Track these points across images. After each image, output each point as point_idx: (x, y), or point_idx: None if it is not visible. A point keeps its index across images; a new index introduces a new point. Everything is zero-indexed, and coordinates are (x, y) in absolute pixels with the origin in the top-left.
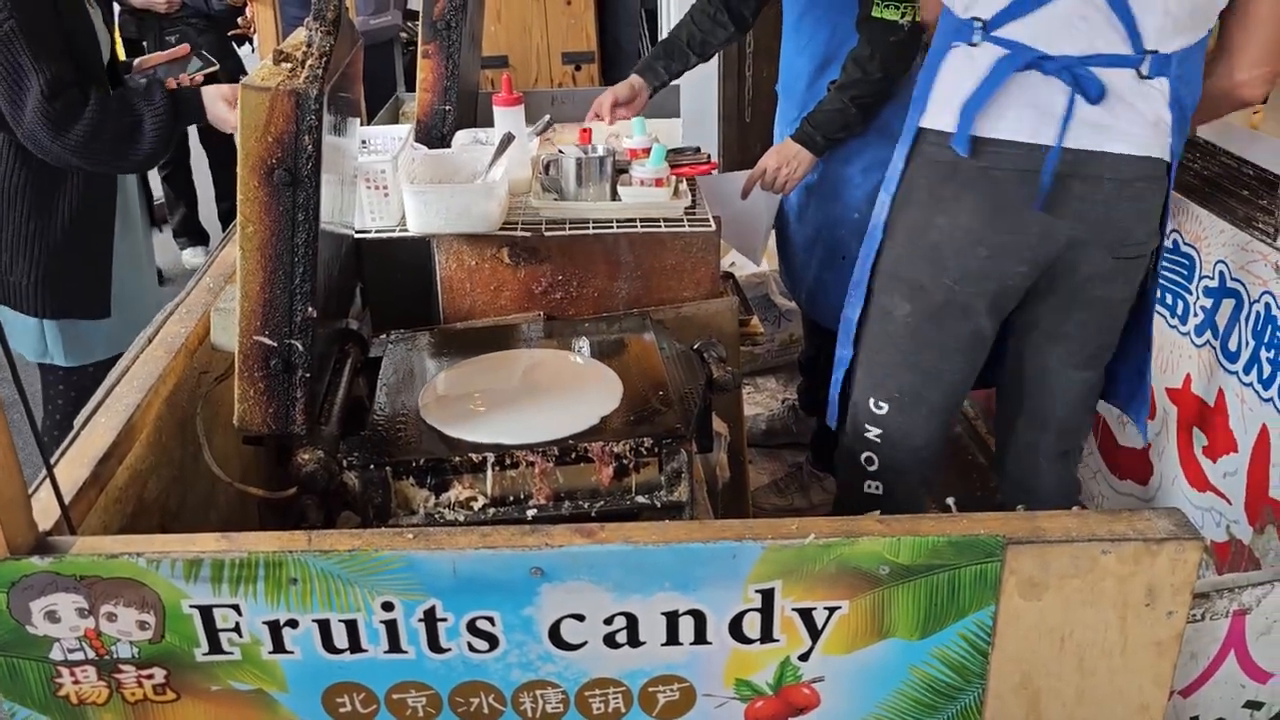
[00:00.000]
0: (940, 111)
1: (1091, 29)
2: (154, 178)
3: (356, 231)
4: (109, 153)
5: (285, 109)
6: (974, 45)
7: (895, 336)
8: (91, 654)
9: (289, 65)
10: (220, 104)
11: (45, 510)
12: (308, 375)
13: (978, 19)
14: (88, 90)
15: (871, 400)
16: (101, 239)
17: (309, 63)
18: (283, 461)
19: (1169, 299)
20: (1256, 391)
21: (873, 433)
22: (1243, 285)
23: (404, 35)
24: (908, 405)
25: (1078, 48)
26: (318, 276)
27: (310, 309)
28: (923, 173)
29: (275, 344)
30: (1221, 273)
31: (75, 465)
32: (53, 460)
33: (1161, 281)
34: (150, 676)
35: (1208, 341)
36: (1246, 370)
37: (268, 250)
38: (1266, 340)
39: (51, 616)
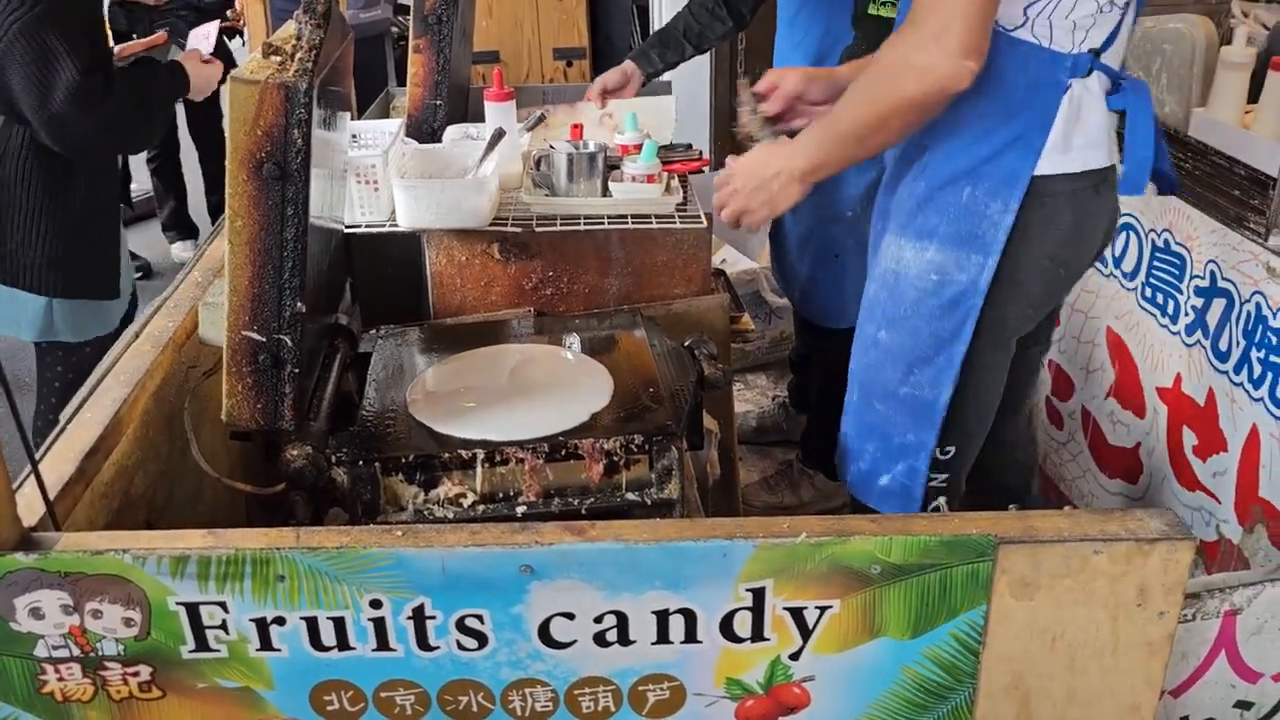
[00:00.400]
0: (1074, 152)
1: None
2: (143, 170)
3: (346, 226)
4: (129, 125)
5: (275, 102)
6: (1087, 77)
7: (981, 384)
8: (76, 651)
9: (278, 58)
10: (193, 64)
11: (30, 506)
12: (296, 370)
13: (1092, 49)
14: (109, 71)
15: (938, 449)
16: (110, 221)
17: (299, 56)
18: (271, 457)
19: (1159, 298)
20: (1246, 391)
21: (938, 479)
22: (1234, 285)
23: (395, 30)
24: (976, 437)
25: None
26: (307, 271)
27: (299, 304)
28: (1040, 223)
29: (264, 339)
30: (1212, 272)
31: (61, 460)
32: (38, 455)
33: (1153, 280)
34: (136, 674)
35: (1198, 341)
36: (1237, 370)
37: (257, 244)
38: (1257, 340)
39: (36, 613)
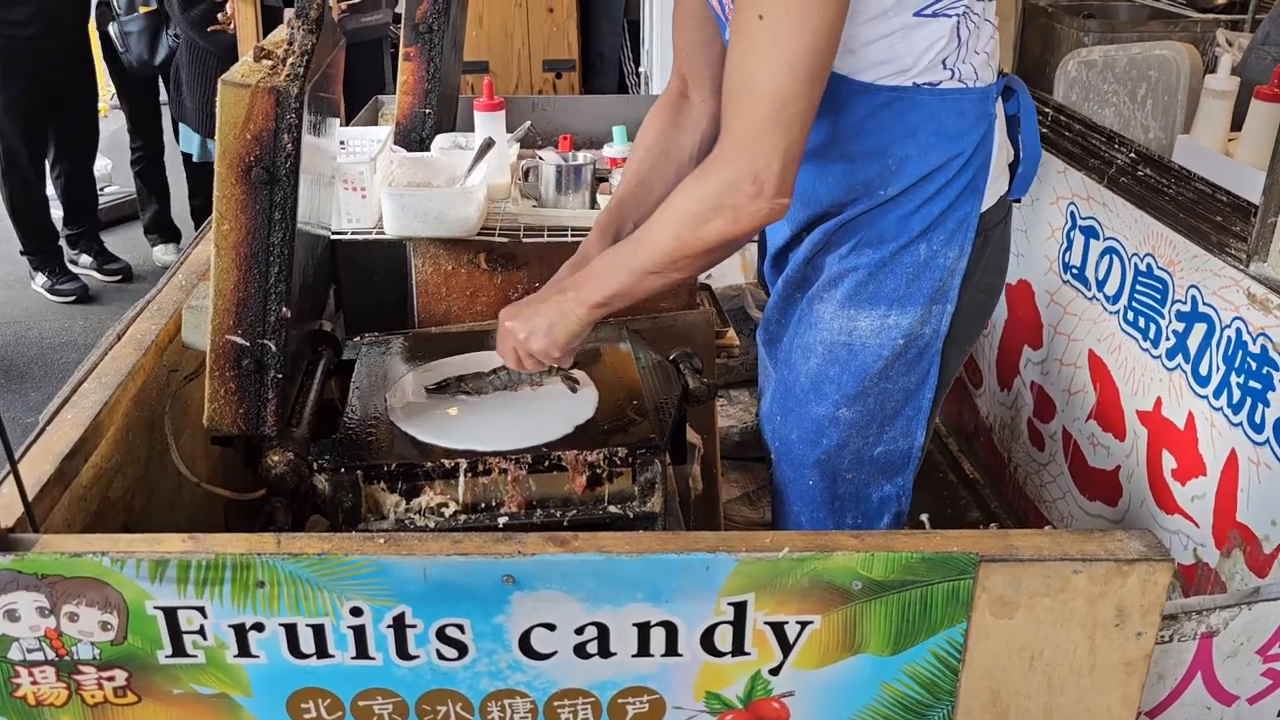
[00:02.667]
0: (998, 181)
1: None
2: (125, 172)
3: (333, 233)
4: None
5: (265, 107)
6: (994, 101)
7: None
8: (51, 654)
9: (270, 62)
10: None
11: (8, 507)
12: (279, 376)
13: (1001, 70)
14: None
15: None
16: None
17: (290, 61)
18: (251, 463)
19: (1141, 322)
20: (1226, 416)
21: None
22: (1214, 310)
23: (393, 33)
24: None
25: None
26: (293, 277)
27: (284, 309)
28: (981, 259)
29: (248, 343)
30: (1194, 297)
31: (40, 461)
32: (17, 456)
33: (1135, 304)
34: (111, 678)
35: (1179, 365)
36: (1216, 395)
37: (243, 249)
38: (1237, 365)
39: (11, 615)
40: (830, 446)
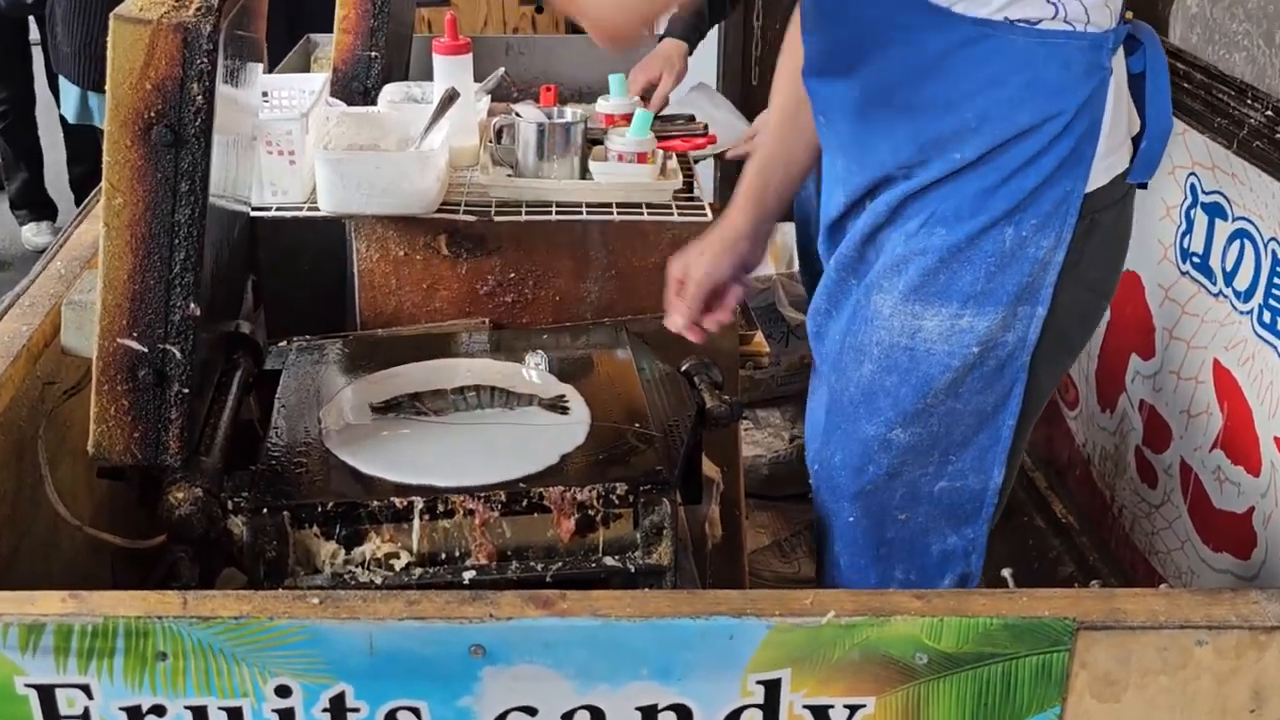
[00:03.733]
0: (1115, 153)
1: None
2: None
3: (253, 209)
4: None
5: (169, 48)
6: (1115, 51)
7: (1018, 452)
8: None
9: None
10: None
11: None
12: (185, 391)
13: (1125, 18)
14: None
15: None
16: None
17: None
18: (148, 501)
19: None
20: None
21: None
22: None
23: None
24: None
25: None
26: (203, 265)
27: (192, 305)
28: (1088, 250)
29: (145, 350)
30: None
31: None
32: None
33: (1273, 302)
34: None
35: None
36: None
37: (140, 228)
38: None
39: None
40: (878, 475)
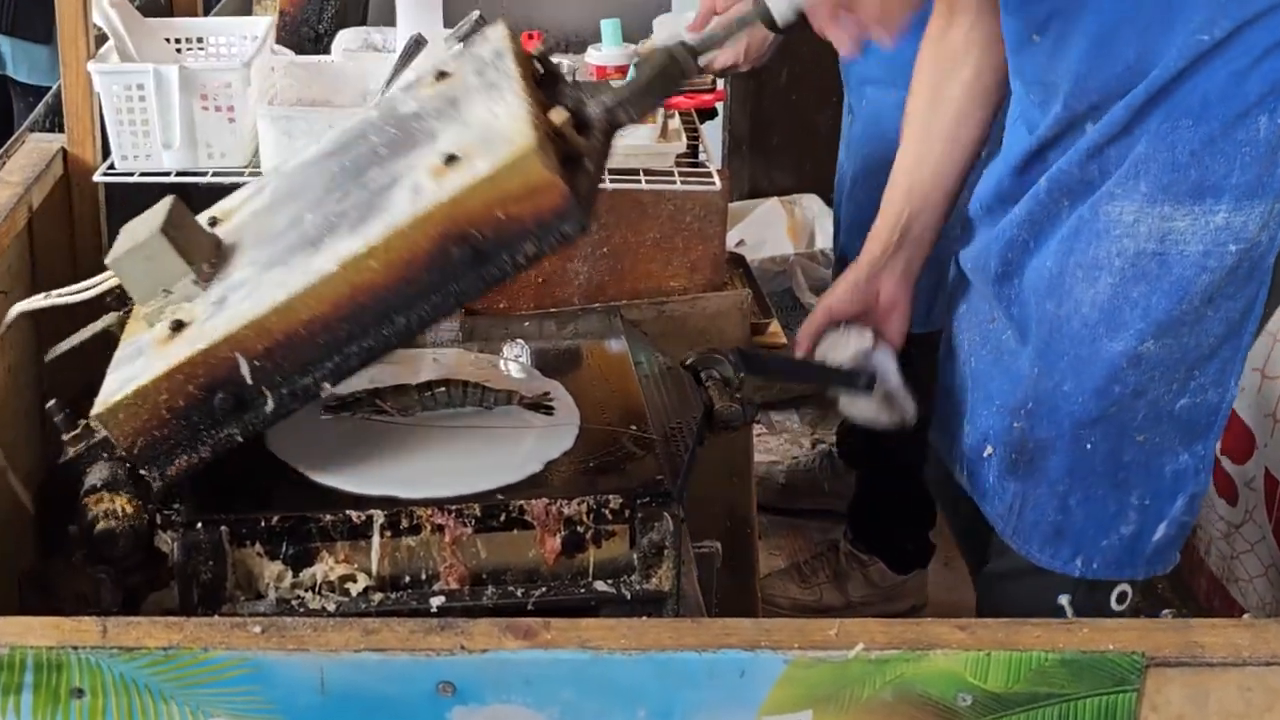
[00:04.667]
0: None
1: None
2: None
3: (186, 174)
4: None
5: (554, 199)
6: None
7: None
8: None
9: None
10: None
11: None
12: (234, 438)
13: None
14: None
15: None
16: None
17: None
18: (56, 511)
19: None
20: None
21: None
22: None
23: None
24: None
25: None
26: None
27: (327, 385)
28: None
29: (250, 382)
30: None
31: None
32: None
33: None
34: None
35: None
36: None
37: (368, 302)
38: None
39: None
40: (1124, 395)
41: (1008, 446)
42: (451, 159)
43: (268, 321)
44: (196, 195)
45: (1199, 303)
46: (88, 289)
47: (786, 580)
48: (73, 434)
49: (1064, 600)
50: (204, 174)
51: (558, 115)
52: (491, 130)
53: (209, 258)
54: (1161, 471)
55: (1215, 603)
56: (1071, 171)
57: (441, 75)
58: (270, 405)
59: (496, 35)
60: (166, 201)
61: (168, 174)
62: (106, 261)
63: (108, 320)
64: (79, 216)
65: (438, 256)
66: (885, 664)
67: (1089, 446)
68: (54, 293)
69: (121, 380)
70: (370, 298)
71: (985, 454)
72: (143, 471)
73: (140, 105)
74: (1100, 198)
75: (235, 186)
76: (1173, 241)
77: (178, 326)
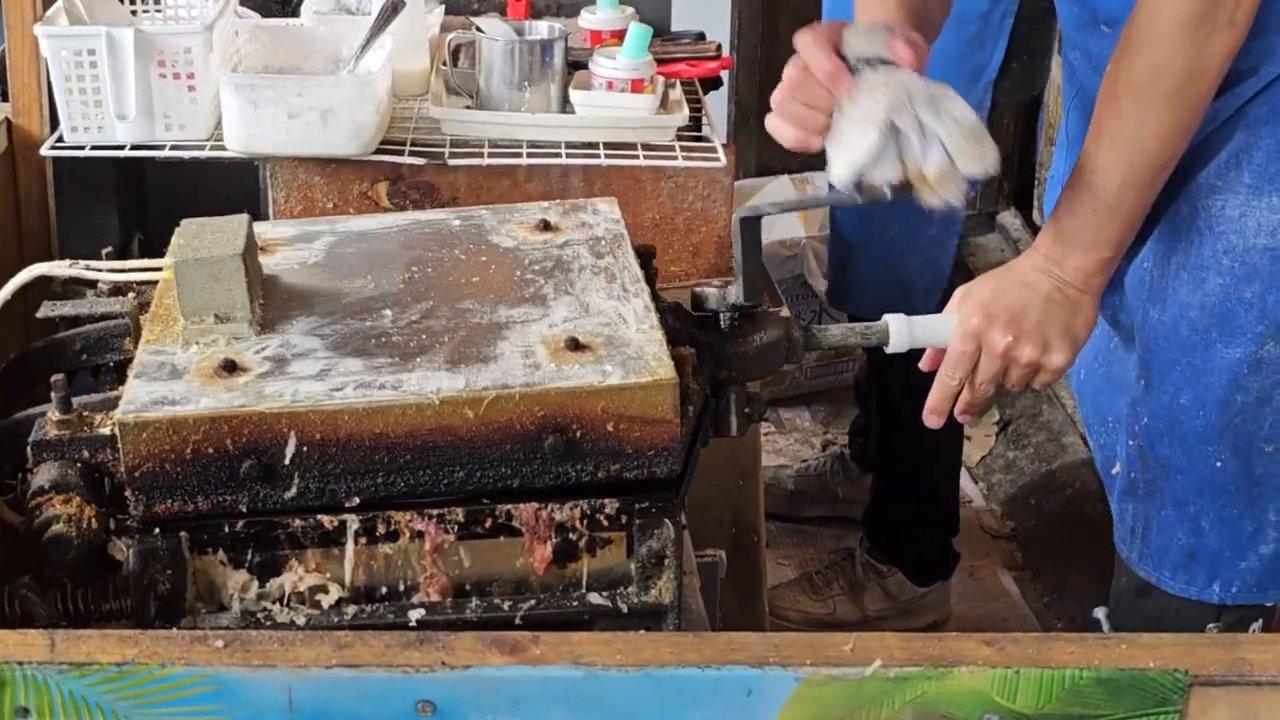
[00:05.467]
0: None
1: None
2: None
3: (141, 147)
4: None
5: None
6: None
7: None
8: None
9: None
10: None
11: None
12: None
13: None
14: None
15: None
16: None
17: None
18: None
19: None
20: None
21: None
22: None
23: None
24: None
25: None
26: None
27: None
28: None
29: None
30: None
31: None
32: None
33: None
34: None
35: None
36: None
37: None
38: None
39: None
40: (1248, 404)
41: (1126, 464)
42: (576, 344)
43: (339, 418)
44: (151, 168)
45: None
46: (119, 270)
47: (797, 591)
48: (62, 417)
49: (1100, 614)
50: (161, 147)
51: (684, 352)
52: (622, 337)
53: (260, 296)
54: None
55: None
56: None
57: (546, 226)
58: (292, 492)
59: (609, 211)
60: (244, 221)
61: (122, 147)
62: (171, 261)
63: (124, 305)
64: (25, 193)
65: (531, 436)
66: (905, 682)
67: (1219, 464)
68: (81, 263)
69: (153, 396)
70: (448, 442)
71: (1113, 471)
72: (128, 496)
73: (91, 72)
74: (1197, 190)
75: (195, 161)
76: None
77: (230, 367)
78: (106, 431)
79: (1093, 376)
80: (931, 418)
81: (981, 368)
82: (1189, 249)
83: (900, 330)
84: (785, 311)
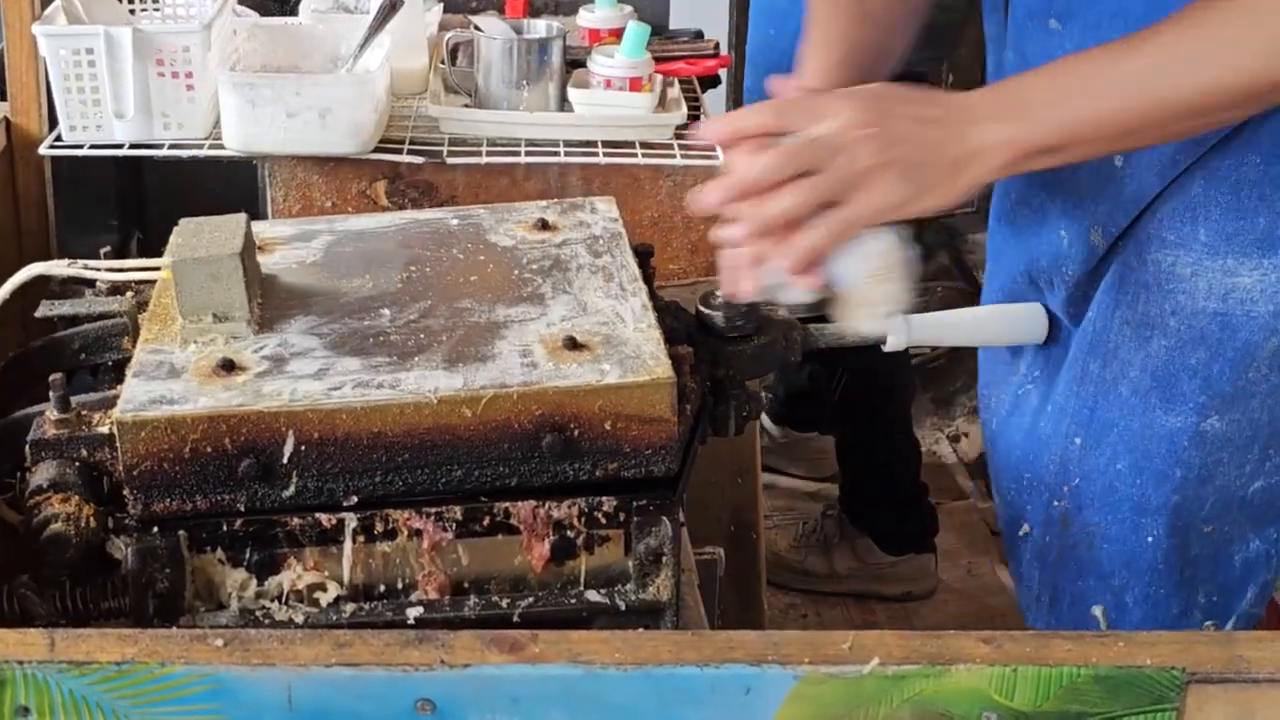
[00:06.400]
0: None
1: None
2: None
3: (140, 146)
4: None
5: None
6: None
7: None
8: None
9: None
10: None
11: None
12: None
13: None
14: None
15: None
16: None
17: None
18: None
19: None
20: None
21: None
22: None
23: None
24: None
25: None
26: None
27: None
28: None
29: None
30: None
31: None
32: None
33: None
34: None
35: None
36: None
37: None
38: None
39: None
40: (1188, 480)
41: (1041, 528)
42: (574, 343)
43: (337, 417)
44: (149, 167)
45: (1267, 370)
46: (118, 269)
47: (779, 534)
48: (60, 416)
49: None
50: (160, 146)
51: (681, 351)
52: (620, 336)
53: (258, 294)
54: (1230, 563)
55: (1262, 614)
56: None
57: (544, 225)
58: (290, 491)
59: (608, 211)
60: (242, 220)
61: (120, 146)
62: (169, 260)
63: (122, 304)
64: (23, 192)
65: (530, 435)
66: (903, 680)
67: (1150, 539)
68: (79, 262)
69: (151, 395)
70: (446, 441)
71: (1020, 532)
72: (127, 495)
73: (90, 71)
74: (1149, 242)
75: (193, 160)
76: (1237, 300)
77: (228, 366)
78: (105, 430)
79: (1006, 429)
80: (697, 202)
81: (789, 154)
82: (1135, 304)
83: (898, 329)
84: (784, 312)
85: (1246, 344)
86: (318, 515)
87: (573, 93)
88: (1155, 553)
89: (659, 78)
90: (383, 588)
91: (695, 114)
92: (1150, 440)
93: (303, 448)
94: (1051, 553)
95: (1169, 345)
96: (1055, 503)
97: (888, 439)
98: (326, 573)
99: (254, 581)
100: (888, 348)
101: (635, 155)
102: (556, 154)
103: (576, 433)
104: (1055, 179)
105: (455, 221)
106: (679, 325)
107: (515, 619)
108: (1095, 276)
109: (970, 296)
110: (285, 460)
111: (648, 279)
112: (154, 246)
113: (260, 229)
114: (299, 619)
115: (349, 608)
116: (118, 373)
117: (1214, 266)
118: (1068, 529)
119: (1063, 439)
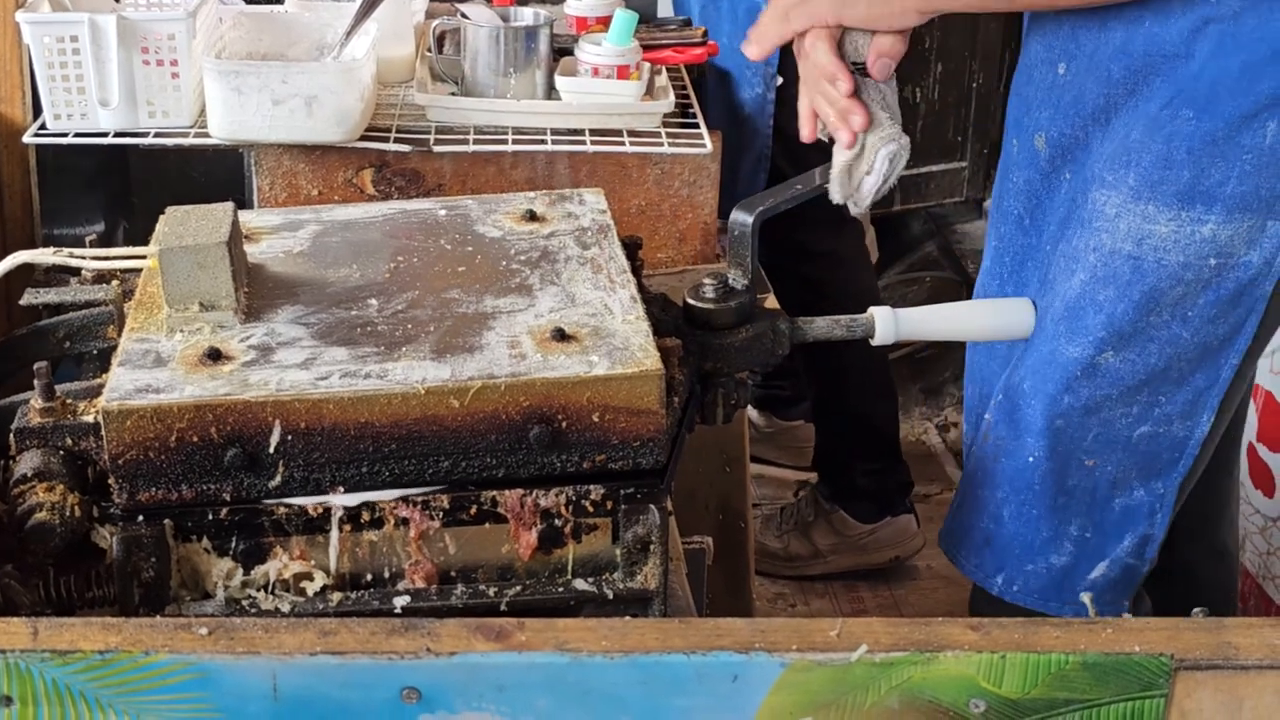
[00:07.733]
0: None
1: None
2: None
3: (125, 135)
4: None
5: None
6: None
7: (1227, 412)
8: None
9: None
10: None
11: None
12: (229, 517)
13: None
14: None
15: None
16: None
17: None
18: None
19: None
20: None
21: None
22: None
23: None
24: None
25: None
26: None
27: None
28: None
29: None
30: None
31: None
32: None
33: None
34: None
35: None
36: None
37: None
38: None
39: None
40: (1074, 408)
41: (973, 439)
42: (562, 335)
43: (323, 407)
44: (135, 155)
45: (1168, 317)
46: (103, 258)
47: (761, 525)
48: (45, 405)
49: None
50: (145, 134)
51: (669, 343)
52: (608, 327)
53: (245, 284)
54: (1109, 504)
55: (1251, 600)
56: (1075, 131)
57: (532, 216)
58: (276, 481)
59: (596, 202)
60: (229, 209)
61: (105, 135)
62: (155, 249)
63: (108, 293)
64: (7, 181)
65: (518, 426)
66: (891, 667)
67: (1030, 459)
68: (64, 250)
69: (137, 384)
70: (433, 432)
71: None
72: (112, 484)
73: (74, 59)
74: (1089, 180)
75: (179, 148)
76: (1151, 247)
77: (215, 355)
78: (90, 419)
79: (975, 349)
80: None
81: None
82: (1071, 238)
83: (886, 321)
84: (772, 299)
85: (1154, 289)
86: (304, 504)
87: (560, 81)
88: (1034, 473)
89: (647, 65)
90: (369, 576)
91: (684, 101)
92: (1051, 365)
93: (289, 437)
94: (971, 460)
95: (1084, 279)
96: (985, 416)
97: (856, 402)
98: (313, 562)
99: (240, 571)
100: (875, 341)
101: (623, 143)
102: (544, 142)
103: (564, 424)
104: (1016, 94)
105: (443, 212)
106: (667, 317)
107: (503, 608)
108: (1051, 201)
109: (959, 286)
110: (272, 450)
111: (636, 271)
112: (139, 235)
113: (247, 218)
114: (285, 608)
115: (335, 597)
116: (103, 361)
117: (1136, 210)
118: (985, 441)
119: (1002, 356)
